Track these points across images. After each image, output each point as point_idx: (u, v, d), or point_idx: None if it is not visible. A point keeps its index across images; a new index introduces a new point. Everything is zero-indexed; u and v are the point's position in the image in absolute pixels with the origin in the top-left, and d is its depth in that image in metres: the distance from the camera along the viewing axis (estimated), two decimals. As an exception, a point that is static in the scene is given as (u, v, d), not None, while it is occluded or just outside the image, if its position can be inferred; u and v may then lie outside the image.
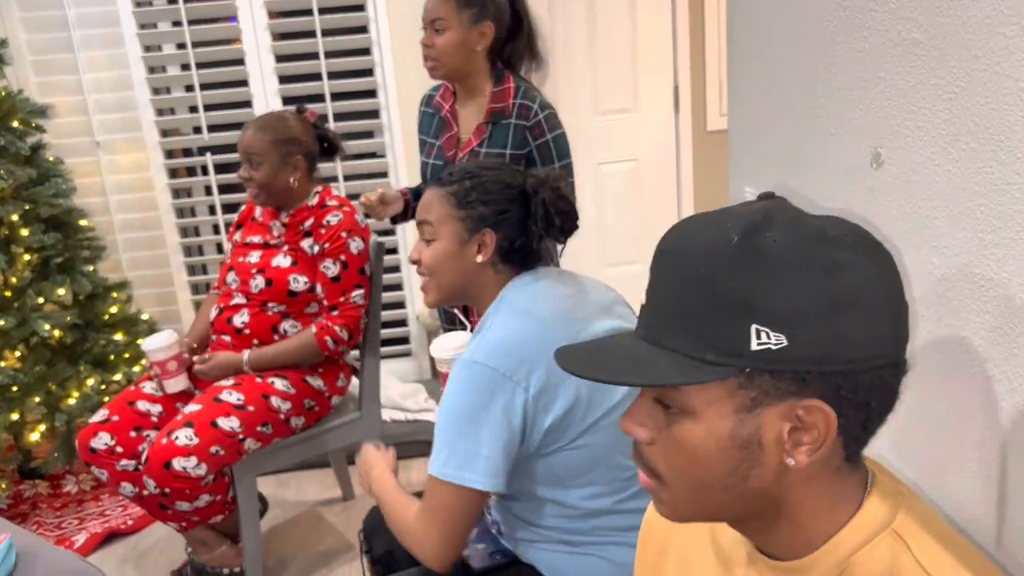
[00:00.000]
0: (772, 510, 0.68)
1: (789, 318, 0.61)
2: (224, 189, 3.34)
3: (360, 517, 2.65)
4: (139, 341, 2.99)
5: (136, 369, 2.94)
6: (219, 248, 3.45)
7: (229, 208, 3.36)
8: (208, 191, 3.37)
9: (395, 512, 1.34)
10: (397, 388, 3.23)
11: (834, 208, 1.11)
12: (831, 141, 1.11)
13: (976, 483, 0.85)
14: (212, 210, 3.37)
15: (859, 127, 1.03)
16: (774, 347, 0.61)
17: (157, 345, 2.14)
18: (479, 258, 1.36)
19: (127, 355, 2.94)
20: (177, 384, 2.20)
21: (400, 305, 3.50)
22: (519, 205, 1.36)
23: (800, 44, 1.17)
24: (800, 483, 0.67)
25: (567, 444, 1.26)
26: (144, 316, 3.08)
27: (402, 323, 3.54)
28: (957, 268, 0.85)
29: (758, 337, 0.61)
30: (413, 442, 2.98)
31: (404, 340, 3.56)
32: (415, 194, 2.27)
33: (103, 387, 2.80)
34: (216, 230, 3.41)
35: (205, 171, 3.30)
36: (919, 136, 0.90)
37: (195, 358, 2.21)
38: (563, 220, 1.37)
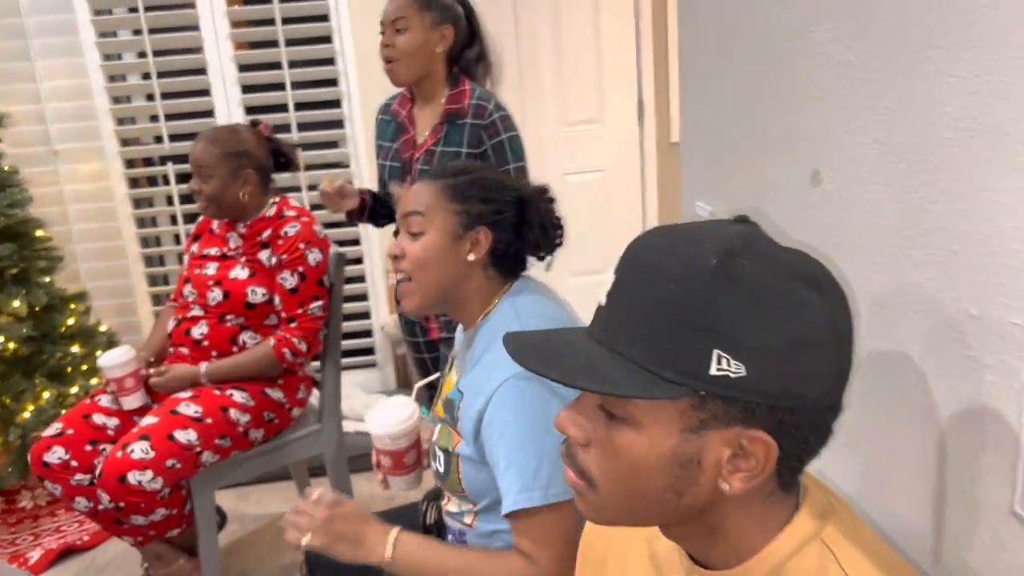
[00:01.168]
0: (702, 525, 0.70)
1: (752, 350, 0.61)
2: (186, 199, 3.31)
3: (321, 530, 2.64)
4: (97, 353, 2.96)
5: (93, 382, 2.90)
6: (180, 258, 3.40)
7: (191, 218, 3.33)
8: (169, 201, 3.34)
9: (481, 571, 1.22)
10: (360, 399, 3.22)
11: (774, 223, 1.13)
12: (775, 159, 1.13)
13: (913, 493, 0.87)
14: (173, 220, 3.34)
15: (800, 146, 1.05)
16: (732, 375, 0.61)
17: (114, 362, 2.12)
18: (471, 256, 1.27)
19: (84, 368, 2.90)
20: (135, 401, 2.17)
21: (365, 315, 3.49)
22: (516, 210, 1.30)
23: (746, 66, 1.19)
24: (733, 506, 0.68)
25: None
26: (103, 328, 3.04)
27: (367, 334, 3.53)
28: (890, 281, 0.87)
29: (718, 363, 0.61)
30: (364, 455, 2.96)
31: (369, 351, 3.55)
32: (374, 198, 2.27)
33: (59, 400, 2.75)
34: (177, 240, 3.38)
35: (167, 181, 3.28)
36: (854, 155, 0.92)
37: (151, 371, 2.18)
38: (555, 233, 1.33)
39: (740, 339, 0.61)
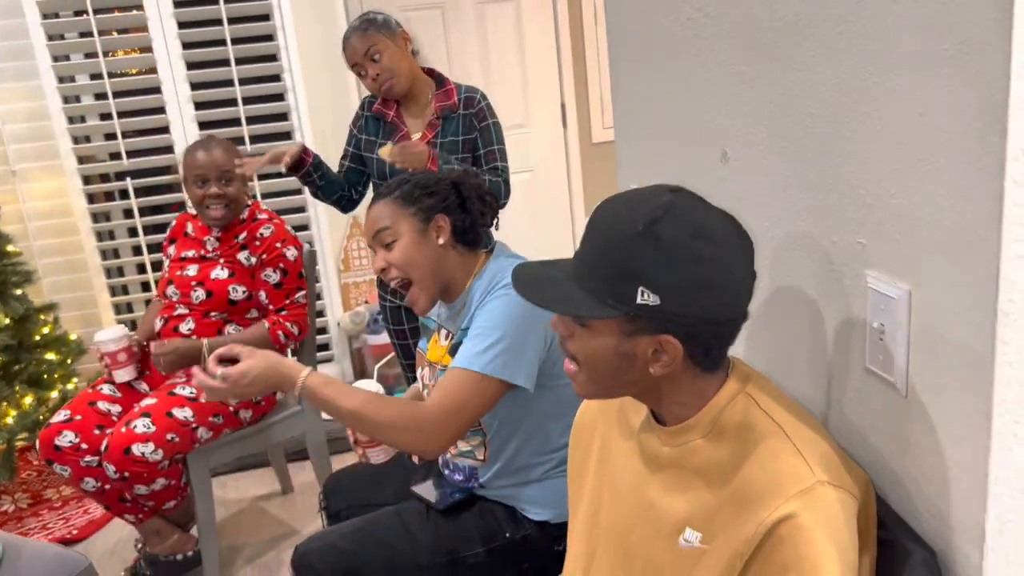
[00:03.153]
0: (654, 393, 1.02)
1: (664, 287, 0.93)
2: (145, 212, 3.49)
3: (301, 508, 2.88)
4: (68, 361, 3.12)
5: (71, 387, 3.06)
6: (140, 269, 3.58)
7: (151, 230, 3.51)
8: (128, 214, 3.50)
9: (384, 409, 1.39)
10: (324, 389, 3.45)
11: (700, 192, 1.48)
12: (691, 143, 1.47)
13: (805, 370, 1.22)
14: (133, 232, 3.50)
15: (710, 133, 1.39)
16: (651, 304, 0.93)
17: (108, 337, 2.34)
18: (440, 240, 1.54)
19: (60, 374, 3.05)
20: (126, 375, 2.38)
21: (320, 313, 3.73)
22: (454, 194, 1.58)
23: (665, 70, 1.54)
24: (667, 382, 1.00)
25: (558, 381, 1.51)
26: (73, 336, 3.19)
27: (322, 330, 3.76)
28: (782, 227, 1.22)
29: (642, 296, 0.93)
30: (345, 437, 3.21)
31: (325, 347, 3.78)
32: (317, 165, 2.41)
33: (40, 404, 2.90)
34: (137, 251, 3.54)
35: (125, 195, 3.44)
36: (752, 139, 1.26)
37: (153, 344, 2.32)
38: (492, 200, 1.63)
39: (656, 280, 0.93)
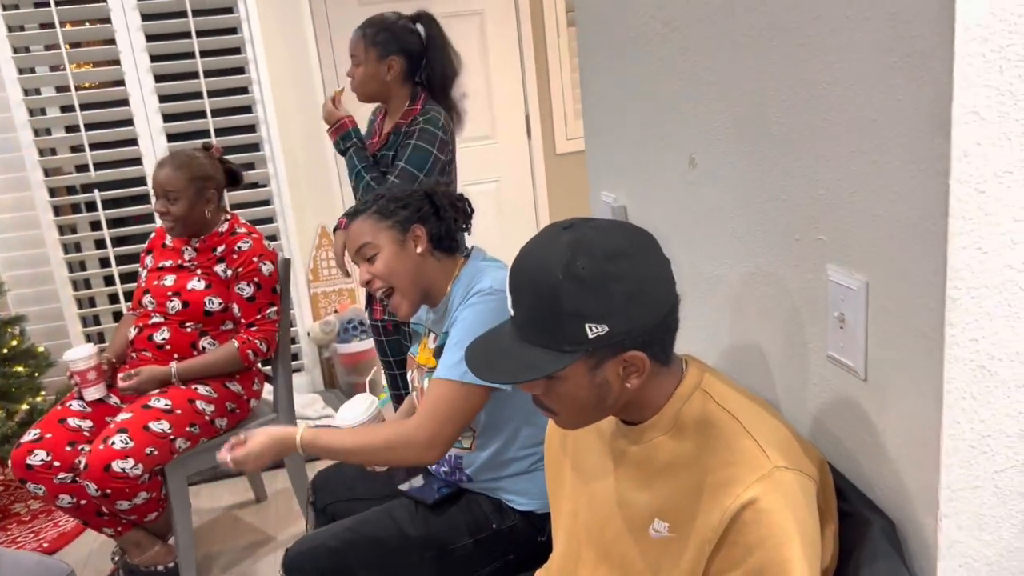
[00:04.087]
0: (631, 404, 1.09)
1: (606, 314, 0.99)
2: (113, 224, 3.48)
3: (276, 515, 2.90)
4: (36, 374, 3.10)
5: (39, 400, 3.04)
6: (108, 281, 3.57)
7: (119, 241, 3.50)
8: (95, 227, 3.49)
9: (376, 436, 1.51)
10: (297, 399, 3.47)
11: (664, 198, 1.56)
12: (661, 151, 1.56)
13: (774, 369, 1.30)
14: (100, 245, 3.49)
15: (680, 140, 1.48)
16: (602, 334, 0.99)
17: (78, 356, 2.34)
18: (419, 249, 1.62)
19: (28, 387, 3.03)
20: (96, 392, 2.39)
21: (290, 323, 3.74)
22: (427, 204, 1.65)
23: (634, 81, 1.62)
24: (639, 390, 1.07)
25: None
26: (40, 349, 3.17)
27: (292, 340, 3.77)
28: (747, 226, 1.30)
29: (591, 331, 0.99)
30: (317, 445, 3.24)
31: (295, 356, 3.80)
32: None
33: (10, 417, 2.88)
34: (105, 264, 3.53)
35: (92, 207, 3.43)
36: (718, 146, 1.35)
37: (119, 375, 2.39)
38: (464, 204, 1.71)
39: (596, 313, 0.98)
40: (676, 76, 1.45)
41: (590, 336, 0.98)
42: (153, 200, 2.47)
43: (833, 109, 1.03)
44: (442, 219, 1.66)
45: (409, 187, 1.69)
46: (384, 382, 2.96)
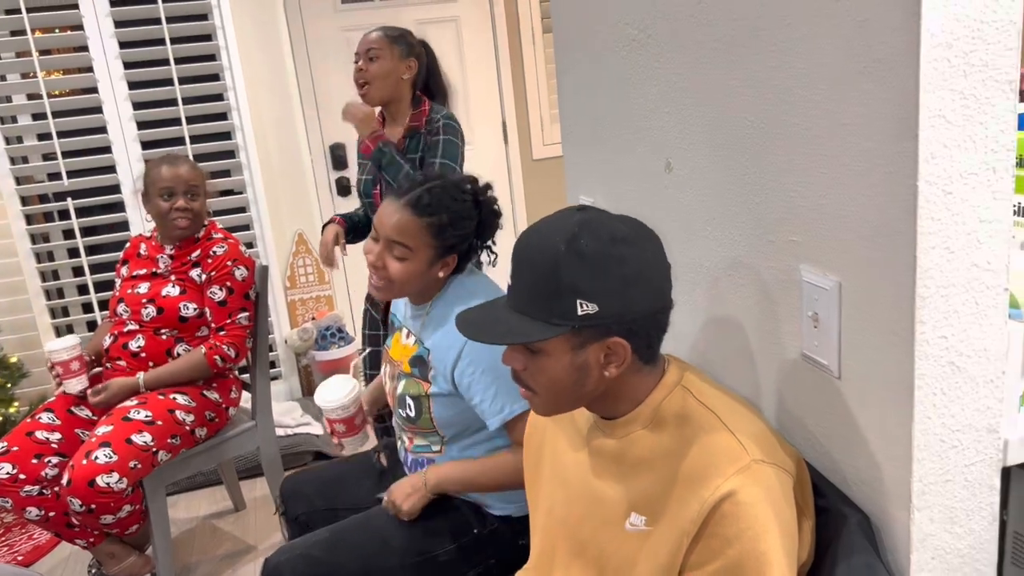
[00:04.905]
0: (608, 396, 1.10)
1: (599, 294, 1.01)
2: (86, 232, 3.45)
3: (255, 524, 2.88)
4: (8, 385, 3.07)
5: (12, 411, 3.00)
6: (82, 290, 3.53)
7: (92, 250, 3.47)
8: (69, 235, 3.46)
9: (494, 471, 1.58)
10: (275, 407, 3.45)
11: (640, 202, 1.58)
12: (637, 156, 1.58)
13: (750, 368, 1.33)
14: (73, 253, 3.46)
15: (656, 145, 1.50)
16: (591, 313, 1.02)
17: (61, 346, 2.33)
18: (441, 274, 1.61)
19: (1, 398, 2.99)
20: (78, 384, 2.38)
21: (267, 331, 3.72)
22: (474, 231, 1.61)
23: (610, 87, 1.64)
24: (618, 381, 1.08)
25: None
26: (13, 359, 3.13)
27: (270, 348, 3.75)
28: (723, 229, 1.33)
29: (581, 307, 1.02)
30: (296, 453, 3.23)
31: (273, 364, 3.78)
32: (350, 220, 2.59)
33: (-17, 428, 2.84)
34: (79, 272, 3.49)
35: (65, 216, 3.40)
36: (694, 150, 1.37)
37: (89, 391, 2.37)
38: (497, 223, 1.68)
39: (590, 290, 1.01)
40: (651, 82, 1.47)
41: (579, 312, 1.00)
42: (149, 201, 2.44)
43: (804, 114, 1.06)
44: (475, 249, 1.64)
45: (466, 198, 1.60)
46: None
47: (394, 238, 1.55)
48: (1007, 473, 1.03)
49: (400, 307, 1.81)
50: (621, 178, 1.67)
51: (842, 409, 1.09)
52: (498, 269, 1.59)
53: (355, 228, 2.59)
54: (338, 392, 1.76)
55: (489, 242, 1.69)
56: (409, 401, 1.65)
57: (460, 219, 1.58)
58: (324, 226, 2.57)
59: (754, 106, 1.17)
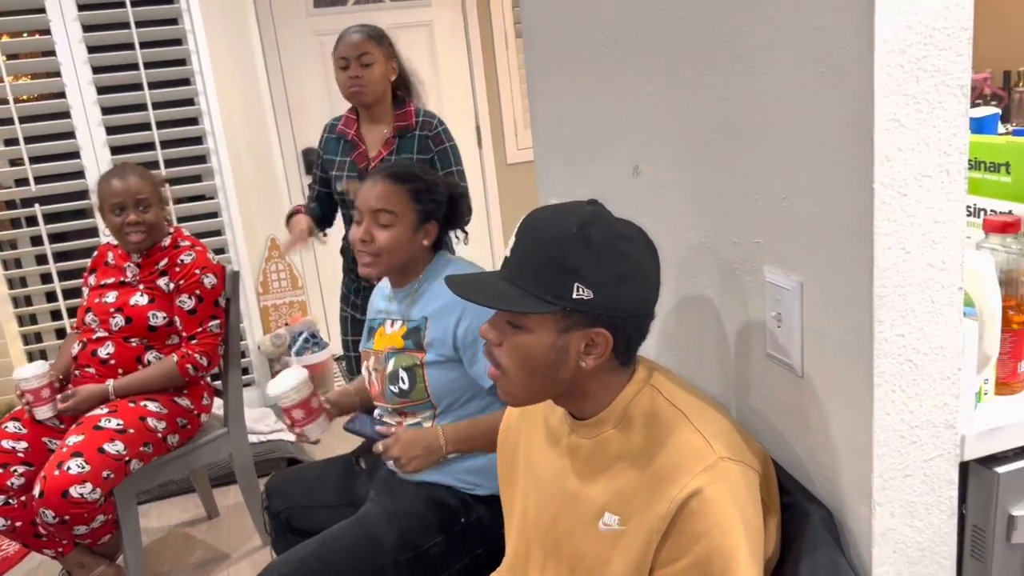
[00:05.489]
0: (576, 390, 1.11)
1: (595, 282, 1.03)
2: (54, 239, 3.41)
3: (228, 532, 2.86)
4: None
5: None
6: (50, 297, 3.49)
7: (61, 257, 3.43)
8: (37, 242, 3.41)
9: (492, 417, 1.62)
10: (248, 413, 3.43)
11: (610, 205, 1.59)
12: (606, 160, 1.59)
13: (716, 368, 1.35)
14: (41, 260, 3.41)
15: (624, 150, 1.52)
16: (585, 298, 1.03)
17: (31, 374, 2.29)
18: (425, 242, 1.72)
19: (-33, 407, 2.94)
20: (49, 411, 2.34)
21: (240, 337, 3.70)
22: (450, 206, 1.76)
23: (579, 92, 1.66)
24: (590, 376, 1.10)
25: None
26: (-20, 367, 3.09)
27: (243, 354, 3.73)
28: (687, 230, 1.35)
29: (577, 291, 1.03)
30: (270, 459, 3.21)
31: (245, 370, 3.75)
32: (311, 213, 2.61)
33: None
34: (47, 279, 3.45)
35: (33, 222, 3.36)
36: (660, 154, 1.39)
37: (58, 396, 2.35)
38: (468, 219, 1.86)
39: (589, 276, 1.03)
40: (619, 87, 1.49)
41: (574, 296, 1.02)
42: (104, 217, 2.41)
43: (766, 117, 1.08)
44: (452, 224, 1.79)
45: (441, 182, 1.78)
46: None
47: (378, 206, 1.67)
48: (965, 468, 1.05)
49: (377, 302, 1.86)
50: (591, 182, 1.69)
51: (805, 407, 1.11)
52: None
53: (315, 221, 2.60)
54: (288, 378, 1.75)
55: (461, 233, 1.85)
56: (402, 374, 1.68)
57: (433, 187, 1.73)
58: (289, 216, 2.59)
59: (719, 111, 1.19)
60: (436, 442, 1.64)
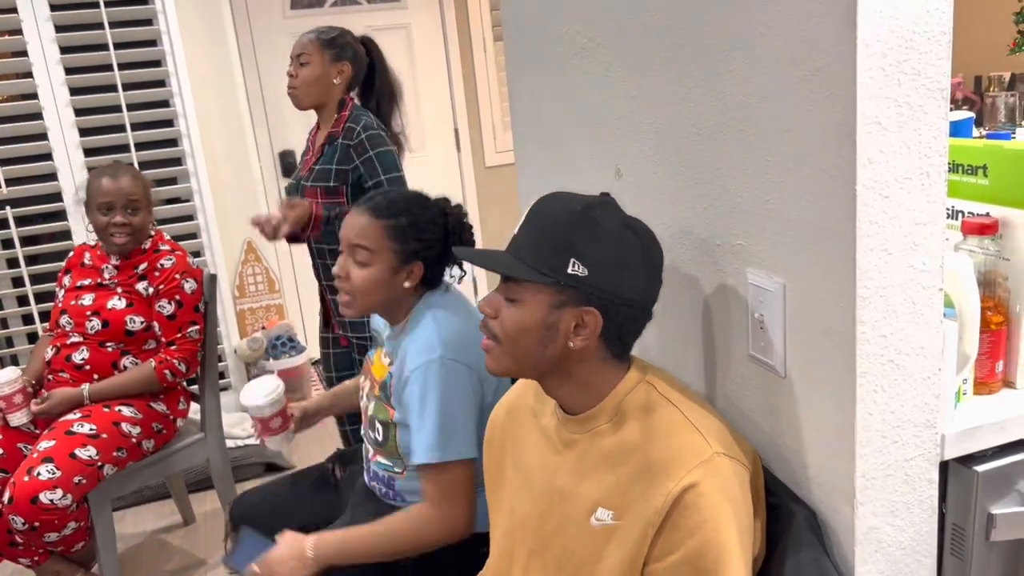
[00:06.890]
0: (561, 371, 1.12)
1: (592, 262, 1.05)
2: (26, 241, 3.35)
3: (205, 538, 2.83)
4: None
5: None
6: (22, 301, 3.43)
7: (33, 260, 3.38)
8: (8, 245, 3.36)
9: (395, 534, 1.48)
10: (224, 418, 3.39)
11: (595, 208, 1.59)
12: (587, 163, 1.60)
13: (699, 369, 1.35)
14: (12, 264, 3.36)
15: (606, 152, 1.52)
16: (580, 275, 1.05)
17: (3, 380, 2.25)
18: (406, 284, 1.55)
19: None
20: (23, 417, 2.30)
21: (216, 341, 3.66)
22: (443, 238, 1.58)
23: (561, 96, 1.66)
24: (579, 361, 1.10)
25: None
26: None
27: (219, 358, 3.69)
28: (673, 233, 1.35)
29: (573, 267, 1.05)
30: (247, 465, 3.17)
31: (222, 375, 3.72)
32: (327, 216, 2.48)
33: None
34: (18, 283, 3.39)
35: (4, 225, 3.30)
36: (642, 156, 1.39)
37: (32, 401, 2.31)
38: (470, 234, 1.65)
39: (586, 254, 1.04)
40: (600, 89, 1.49)
41: (568, 271, 1.04)
42: (90, 214, 2.37)
43: (749, 120, 1.09)
44: (445, 259, 1.61)
45: (434, 215, 1.60)
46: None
47: (354, 241, 1.54)
48: (945, 467, 1.06)
49: (380, 320, 1.75)
50: (573, 185, 1.69)
51: (788, 408, 1.12)
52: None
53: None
54: (258, 392, 1.71)
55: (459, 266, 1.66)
56: (378, 425, 1.63)
57: (421, 224, 1.56)
58: (286, 191, 2.55)
59: (701, 113, 1.20)
60: (302, 551, 1.50)
